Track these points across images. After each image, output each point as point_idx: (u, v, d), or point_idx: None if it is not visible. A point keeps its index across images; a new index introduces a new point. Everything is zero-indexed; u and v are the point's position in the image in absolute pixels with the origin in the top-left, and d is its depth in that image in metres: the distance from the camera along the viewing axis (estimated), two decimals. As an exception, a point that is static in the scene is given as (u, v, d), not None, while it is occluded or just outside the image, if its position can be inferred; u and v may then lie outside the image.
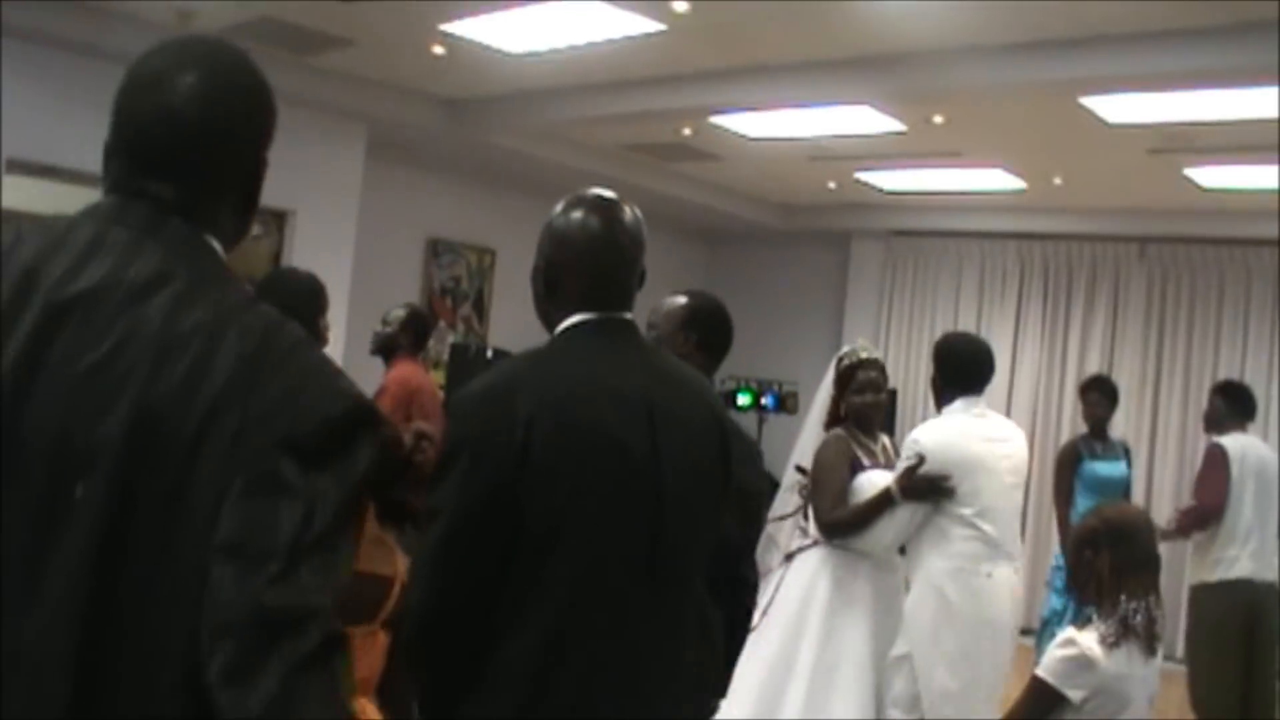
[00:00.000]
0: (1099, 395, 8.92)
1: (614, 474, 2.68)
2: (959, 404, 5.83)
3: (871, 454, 5.87)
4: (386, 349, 8.35)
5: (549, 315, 2.88)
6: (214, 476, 1.72)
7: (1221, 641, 7.48)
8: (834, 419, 5.95)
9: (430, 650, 2.68)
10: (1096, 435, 8.83)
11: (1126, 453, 8.96)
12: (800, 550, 5.76)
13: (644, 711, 2.70)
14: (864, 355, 6.01)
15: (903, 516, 5.59)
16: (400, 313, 8.42)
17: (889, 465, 5.84)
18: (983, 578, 5.59)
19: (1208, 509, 7.69)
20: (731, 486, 3.01)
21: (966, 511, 5.58)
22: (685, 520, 2.78)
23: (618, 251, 2.84)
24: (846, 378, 5.96)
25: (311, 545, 1.72)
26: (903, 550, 5.84)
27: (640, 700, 2.70)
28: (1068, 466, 8.76)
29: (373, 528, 3.67)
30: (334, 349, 10.68)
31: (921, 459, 5.58)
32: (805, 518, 5.77)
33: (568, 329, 2.82)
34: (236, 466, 1.73)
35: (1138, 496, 8.95)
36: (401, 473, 3.55)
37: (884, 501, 5.58)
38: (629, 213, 2.88)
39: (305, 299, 5.23)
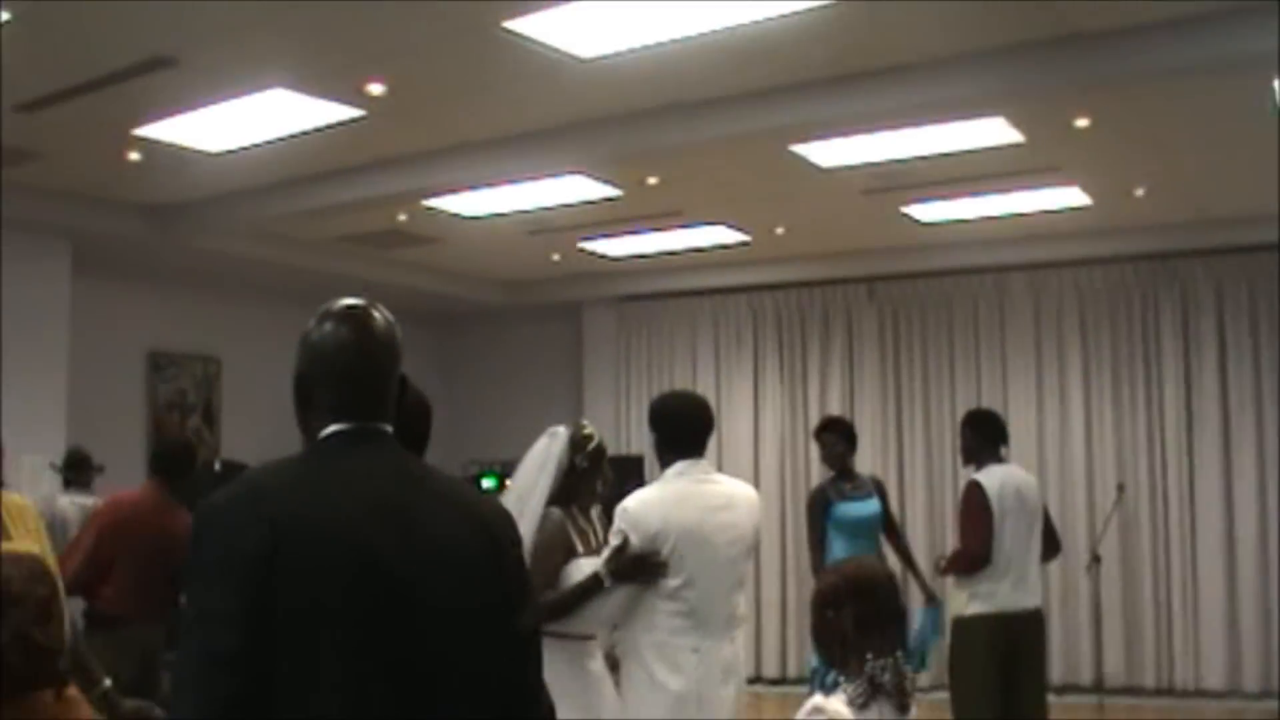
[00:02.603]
0: (833, 436, 8.88)
1: (364, 583, 2.53)
2: (678, 467, 5.62)
3: (584, 535, 5.69)
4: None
5: (308, 428, 2.77)
6: None
7: (977, 672, 7.45)
8: (569, 497, 5.74)
9: None
10: (843, 476, 8.78)
11: (879, 487, 8.91)
12: None
13: None
14: (599, 439, 5.86)
15: (616, 598, 5.41)
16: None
17: (599, 543, 5.67)
18: (686, 651, 5.42)
19: (974, 554, 7.65)
20: (518, 598, 2.84)
21: (673, 584, 5.40)
22: (447, 630, 2.62)
23: (370, 360, 2.77)
24: (598, 458, 5.78)
25: None
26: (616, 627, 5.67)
27: None
28: (818, 511, 8.70)
29: (44, 696, 3.37)
30: (51, 483, 10.25)
31: (626, 538, 5.40)
32: None
33: (320, 440, 2.72)
34: None
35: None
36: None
37: (592, 587, 5.39)
38: (380, 319, 2.80)
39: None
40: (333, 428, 2.71)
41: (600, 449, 5.77)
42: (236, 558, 2.47)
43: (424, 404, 4.22)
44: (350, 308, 2.81)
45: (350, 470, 2.66)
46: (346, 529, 2.55)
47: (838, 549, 8.34)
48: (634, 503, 5.50)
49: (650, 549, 5.36)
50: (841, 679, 3.70)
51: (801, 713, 3.68)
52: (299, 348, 2.79)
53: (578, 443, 5.68)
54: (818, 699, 3.68)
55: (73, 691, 3.45)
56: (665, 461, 5.66)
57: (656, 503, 5.50)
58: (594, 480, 5.72)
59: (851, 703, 3.62)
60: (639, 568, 5.38)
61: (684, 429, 5.69)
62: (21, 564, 3.50)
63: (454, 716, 2.64)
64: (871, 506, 8.64)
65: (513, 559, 2.85)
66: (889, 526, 8.85)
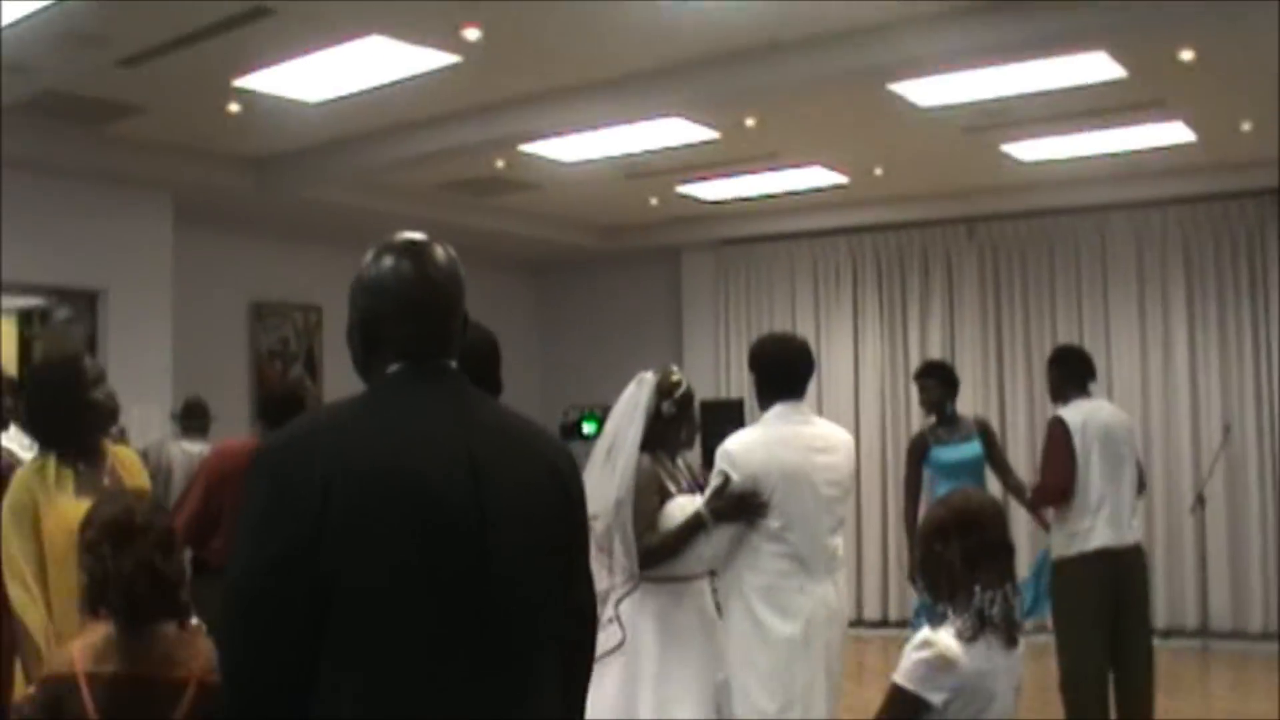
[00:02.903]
0: (932, 380, 8.82)
1: (427, 528, 2.47)
2: (776, 409, 5.62)
3: (674, 478, 5.66)
4: None
5: (369, 372, 2.69)
6: None
7: (1084, 615, 7.39)
8: (657, 443, 5.72)
9: None
10: (942, 421, 8.73)
11: (984, 429, 8.82)
12: (625, 596, 5.50)
13: None
14: (686, 385, 5.83)
15: (719, 538, 5.41)
16: None
17: (693, 485, 5.66)
18: (793, 593, 5.41)
19: (1049, 486, 7.68)
20: (579, 539, 2.83)
21: (775, 525, 5.39)
22: (517, 576, 2.58)
23: (434, 294, 2.67)
24: (686, 404, 5.76)
25: None
26: (713, 572, 5.65)
27: None
28: (915, 457, 8.68)
29: (165, 626, 3.43)
30: (160, 430, 10.39)
31: (727, 478, 5.39)
32: (610, 554, 5.51)
33: (386, 380, 2.64)
34: None
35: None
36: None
37: (696, 526, 5.38)
38: (442, 253, 2.71)
39: (56, 386, 4.91)
40: (396, 366, 2.64)
41: (687, 395, 5.72)
42: (283, 505, 2.45)
43: (490, 341, 4.19)
44: (410, 241, 2.72)
45: (412, 410, 2.60)
46: (408, 474, 2.49)
47: (940, 492, 8.30)
48: (735, 444, 5.50)
49: (751, 489, 5.37)
50: (950, 612, 3.68)
51: (910, 646, 3.67)
52: (354, 288, 2.70)
53: (665, 389, 5.65)
54: (925, 632, 3.66)
55: (195, 623, 3.51)
56: (765, 404, 5.66)
57: (758, 444, 5.50)
58: (680, 427, 5.69)
59: (959, 636, 3.59)
60: (741, 507, 5.38)
61: (784, 372, 5.69)
62: (144, 499, 3.57)
63: (519, 654, 2.60)
64: (971, 449, 8.56)
65: (575, 498, 2.80)
66: (999, 466, 8.75)
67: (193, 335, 11.89)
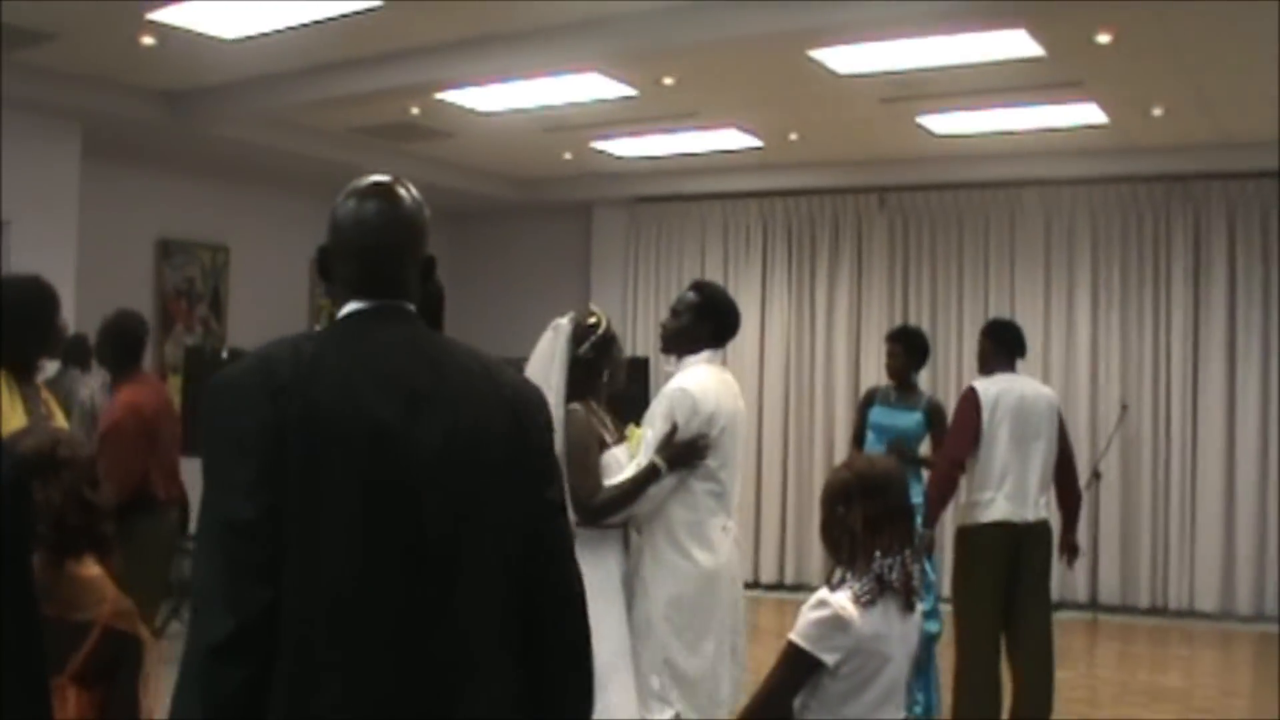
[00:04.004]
0: (900, 346, 8.88)
1: (372, 459, 2.52)
2: (705, 354, 5.69)
3: (606, 427, 5.69)
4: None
5: (335, 307, 2.77)
6: None
7: (978, 583, 7.47)
8: (581, 390, 5.72)
9: (217, 680, 2.43)
10: (899, 387, 8.78)
11: (933, 408, 8.80)
12: None
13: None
14: (605, 324, 5.82)
15: (666, 484, 5.46)
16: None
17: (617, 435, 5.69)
18: (716, 529, 5.50)
19: (943, 459, 7.77)
20: (543, 476, 2.81)
21: (713, 464, 5.48)
22: (457, 510, 2.60)
23: (387, 235, 2.74)
24: (606, 347, 5.76)
25: None
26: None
27: (425, 688, 2.54)
28: (862, 408, 8.84)
29: (75, 567, 3.40)
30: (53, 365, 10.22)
31: (675, 426, 5.44)
32: None
33: (340, 317, 2.71)
34: None
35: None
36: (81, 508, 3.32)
37: (652, 474, 5.41)
38: (405, 195, 2.78)
39: (37, 303, 4.87)
40: (353, 305, 2.70)
41: (606, 337, 5.67)
42: (249, 430, 2.49)
43: (438, 288, 4.20)
44: (374, 184, 2.77)
45: (365, 347, 2.64)
46: (357, 404, 2.54)
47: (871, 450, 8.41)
48: (691, 384, 5.54)
49: (702, 431, 5.42)
50: (849, 575, 3.72)
51: (806, 606, 3.70)
52: (328, 223, 2.77)
53: (580, 333, 5.64)
54: (823, 592, 3.70)
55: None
56: (694, 349, 5.70)
57: (712, 386, 5.57)
58: (601, 370, 5.70)
59: (857, 600, 3.63)
60: (691, 452, 5.43)
61: (730, 322, 5.82)
62: (63, 432, 3.55)
63: (473, 596, 2.62)
64: (912, 419, 8.56)
65: (538, 439, 2.81)
66: (936, 445, 8.72)
67: (98, 270, 11.69)
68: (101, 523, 3.42)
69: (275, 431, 2.48)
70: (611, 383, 5.74)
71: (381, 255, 2.73)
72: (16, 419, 4.45)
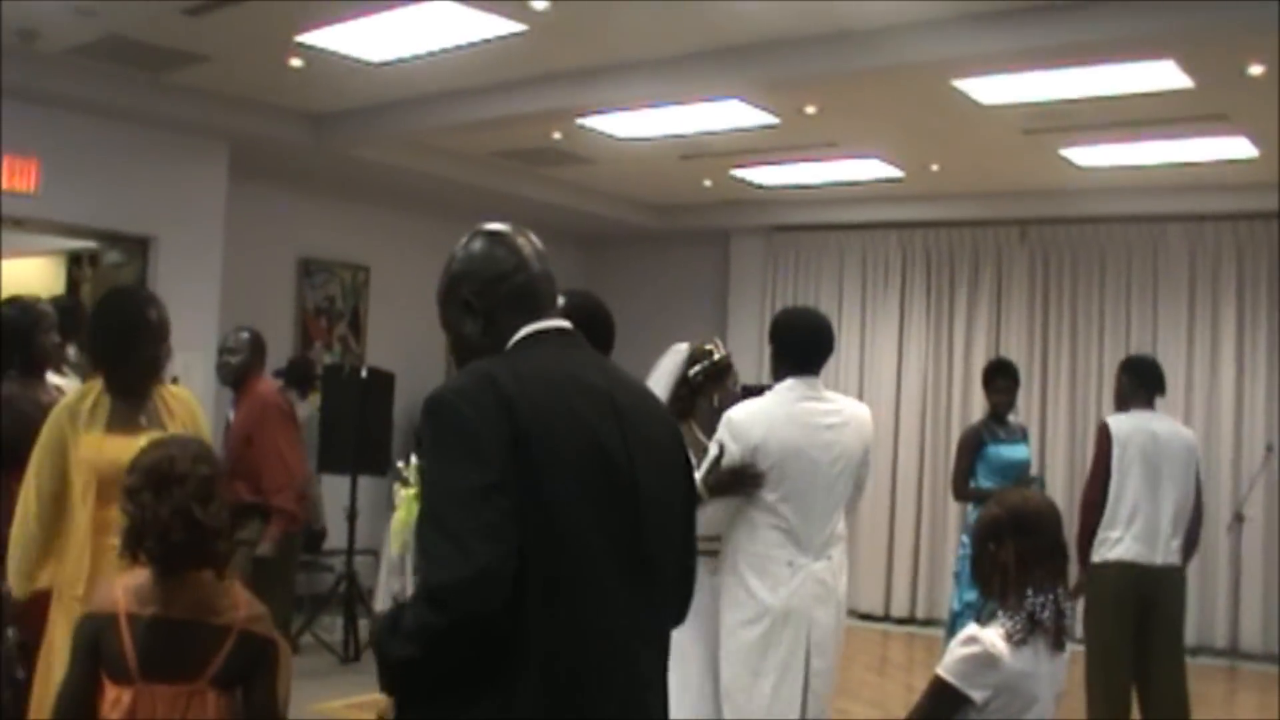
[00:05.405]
0: (1009, 381, 8.80)
1: (597, 469, 2.68)
2: (788, 383, 5.55)
3: (696, 447, 5.65)
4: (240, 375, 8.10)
5: (481, 353, 2.84)
6: None
7: (1105, 624, 7.29)
8: (681, 409, 5.74)
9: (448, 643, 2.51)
10: (998, 420, 8.73)
11: (1026, 436, 8.87)
12: None
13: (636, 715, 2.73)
14: (722, 355, 5.87)
15: (715, 507, 5.38)
16: (244, 336, 8.15)
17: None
18: (781, 566, 5.38)
19: (1083, 502, 7.58)
20: (692, 496, 3.06)
21: (770, 497, 5.36)
22: (659, 513, 2.80)
23: (539, 265, 2.93)
24: (719, 375, 5.75)
25: None
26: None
27: (632, 705, 2.71)
28: (970, 446, 8.71)
29: (199, 574, 3.44)
30: (204, 378, 10.38)
31: (723, 450, 5.37)
32: None
33: (522, 337, 2.83)
34: None
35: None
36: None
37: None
38: (525, 232, 3.02)
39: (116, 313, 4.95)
40: (533, 326, 2.82)
41: (719, 365, 5.71)
42: (484, 437, 2.56)
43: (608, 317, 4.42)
44: (497, 227, 3.01)
45: (565, 364, 2.79)
46: (578, 418, 2.68)
47: (986, 488, 8.33)
48: (740, 413, 5.47)
49: (749, 461, 5.34)
50: (1000, 612, 3.65)
51: (956, 641, 3.65)
52: (454, 278, 2.93)
53: (695, 355, 5.66)
54: (973, 628, 3.64)
55: (235, 577, 3.52)
56: (779, 376, 5.62)
57: (762, 415, 5.46)
58: (709, 394, 5.69)
59: (1009, 637, 3.57)
60: (736, 479, 5.35)
61: (800, 345, 5.63)
62: (187, 445, 3.57)
63: (665, 594, 2.84)
64: (1022, 451, 8.61)
65: (685, 451, 2.99)
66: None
67: (240, 287, 11.88)
68: (210, 540, 3.44)
69: (510, 441, 2.56)
70: (721, 411, 5.70)
71: (543, 282, 2.92)
72: (94, 436, 4.54)
